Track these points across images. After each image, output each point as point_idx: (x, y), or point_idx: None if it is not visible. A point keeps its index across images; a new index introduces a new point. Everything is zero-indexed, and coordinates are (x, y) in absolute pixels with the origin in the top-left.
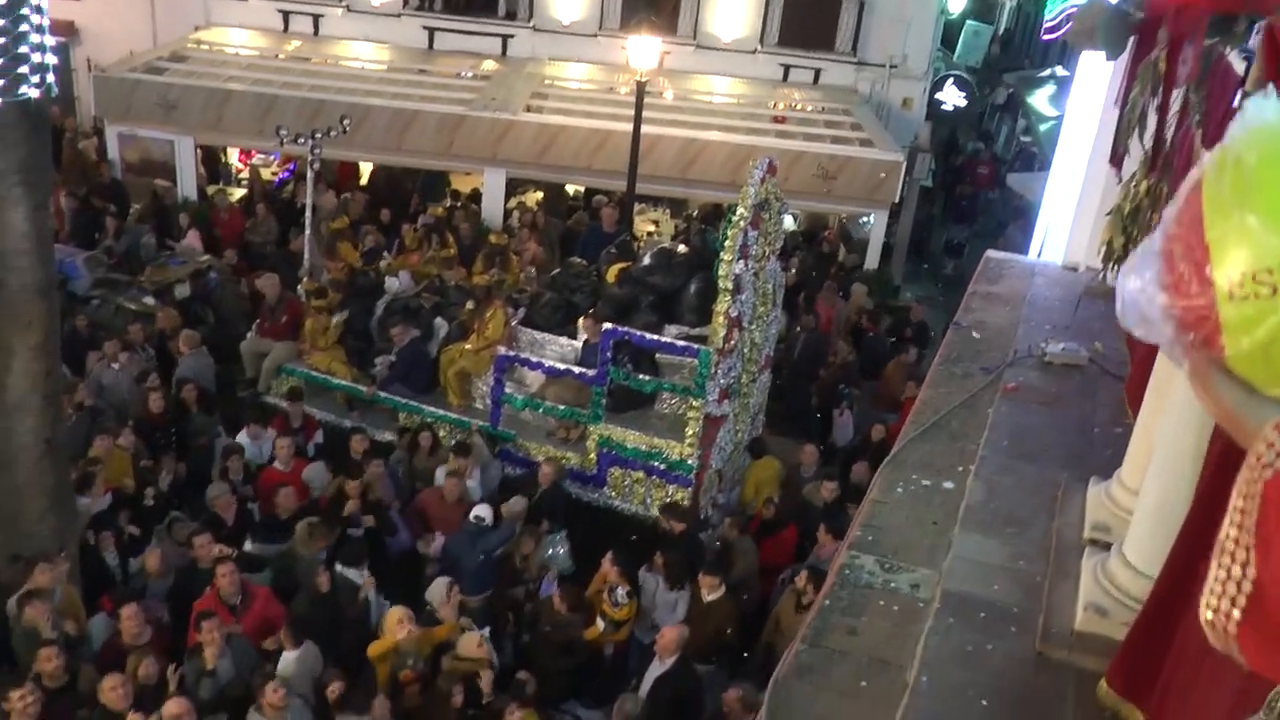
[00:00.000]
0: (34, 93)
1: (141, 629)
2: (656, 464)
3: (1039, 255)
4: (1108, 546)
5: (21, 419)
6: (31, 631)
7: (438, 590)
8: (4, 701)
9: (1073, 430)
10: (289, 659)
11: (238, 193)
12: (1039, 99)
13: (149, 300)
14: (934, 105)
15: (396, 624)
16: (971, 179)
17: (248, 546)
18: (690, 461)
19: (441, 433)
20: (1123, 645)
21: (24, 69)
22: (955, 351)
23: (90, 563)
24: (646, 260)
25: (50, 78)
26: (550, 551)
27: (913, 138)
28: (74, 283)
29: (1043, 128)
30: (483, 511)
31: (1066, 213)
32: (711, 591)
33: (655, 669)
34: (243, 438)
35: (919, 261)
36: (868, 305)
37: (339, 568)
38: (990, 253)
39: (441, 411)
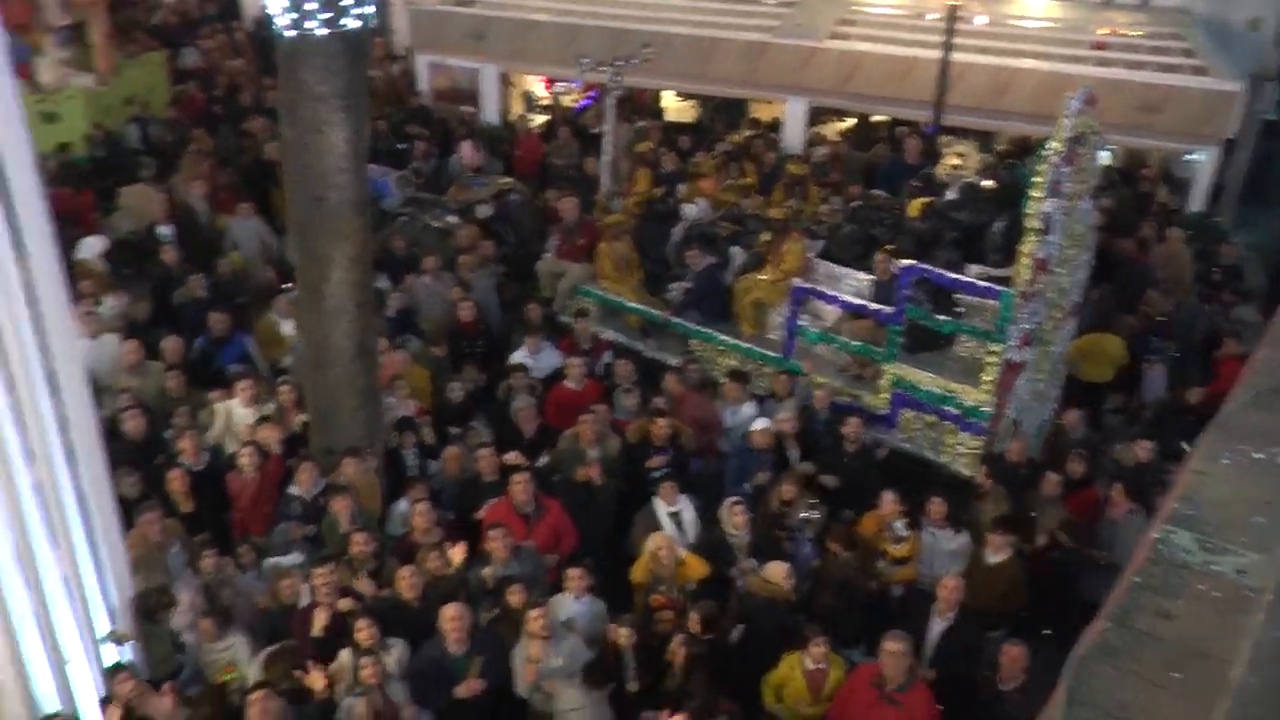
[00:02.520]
0: (355, 24)
1: (432, 525)
2: (950, 408)
3: None
4: None
5: (337, 323)
6: (336, 521)
7: (724, 510)
8: (311, 577)
9: None
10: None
11: (539, 119)
12: None
13: (452, 219)
14: None
15: (655, 548)
16: None
17: (542, 462)
18: (986, 409)
19: (733, 362)
20: None
21: (347, 1)
22: None
23: (392, 463)
24: (951, 194)
25: (370, 9)
26: (807, 514)
27: (1258, 63)
28: (385, 200)
29: None
30: (757, 426)
31: None
32: (997, 552)
33: (937, 625)
34: (521, 352)
35: (1255, 205)
36: (1186, 253)
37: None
38: None
39: (734, 340)
